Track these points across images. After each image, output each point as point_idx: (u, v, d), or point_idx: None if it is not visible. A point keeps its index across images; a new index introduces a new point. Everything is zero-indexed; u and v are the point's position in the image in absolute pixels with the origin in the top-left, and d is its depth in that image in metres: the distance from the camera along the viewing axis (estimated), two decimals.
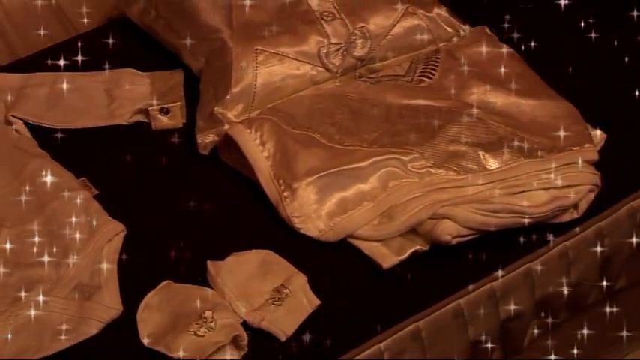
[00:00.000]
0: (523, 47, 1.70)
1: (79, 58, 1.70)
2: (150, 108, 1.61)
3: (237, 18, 1.62)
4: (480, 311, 1.42)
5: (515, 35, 1.72)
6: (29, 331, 1.34)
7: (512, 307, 1.44)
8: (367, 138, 1.50)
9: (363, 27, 1.63)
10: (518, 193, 1.45)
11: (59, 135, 1.61)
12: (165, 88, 1.64)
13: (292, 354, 1.32)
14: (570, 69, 1.69)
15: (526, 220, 1.44)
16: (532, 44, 1.71)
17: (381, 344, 1.35)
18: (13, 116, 1.61)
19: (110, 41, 1.74)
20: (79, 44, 1.74)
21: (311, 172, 1.46)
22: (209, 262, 1.39)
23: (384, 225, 1.43)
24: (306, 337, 1.34)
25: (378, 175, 1.46)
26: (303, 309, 1.36)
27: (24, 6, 1.81)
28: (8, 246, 1.42)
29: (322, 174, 1.45)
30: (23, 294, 1.36)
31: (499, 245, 1.43)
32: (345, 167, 1.46)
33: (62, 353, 1.32)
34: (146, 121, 1.62)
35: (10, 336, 1.33)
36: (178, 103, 1.62)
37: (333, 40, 1.61)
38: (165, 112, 1.61)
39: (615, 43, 1.74)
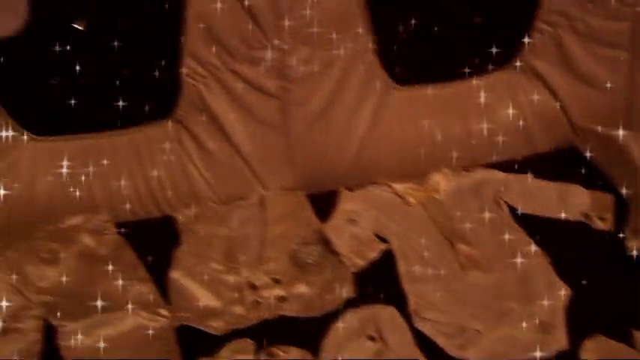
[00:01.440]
0: None
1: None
2: (591, 213, 2.26)
3: None
4: None
5: None
6: None
7: None
8: None
9: None
10: None
11: None
12: (605, 206, 2.27)
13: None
14: None
15: None
16: None
17: None
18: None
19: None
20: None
21: None
22: None
23: None
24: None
25: None
26: None
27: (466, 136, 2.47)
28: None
29: None
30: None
31: None
32: None
33: None
34: (586, 221, 2.27)
35: None
36: (610, 216, 2.26)
37: None
38: (601, 219, 2.25)
39: None
